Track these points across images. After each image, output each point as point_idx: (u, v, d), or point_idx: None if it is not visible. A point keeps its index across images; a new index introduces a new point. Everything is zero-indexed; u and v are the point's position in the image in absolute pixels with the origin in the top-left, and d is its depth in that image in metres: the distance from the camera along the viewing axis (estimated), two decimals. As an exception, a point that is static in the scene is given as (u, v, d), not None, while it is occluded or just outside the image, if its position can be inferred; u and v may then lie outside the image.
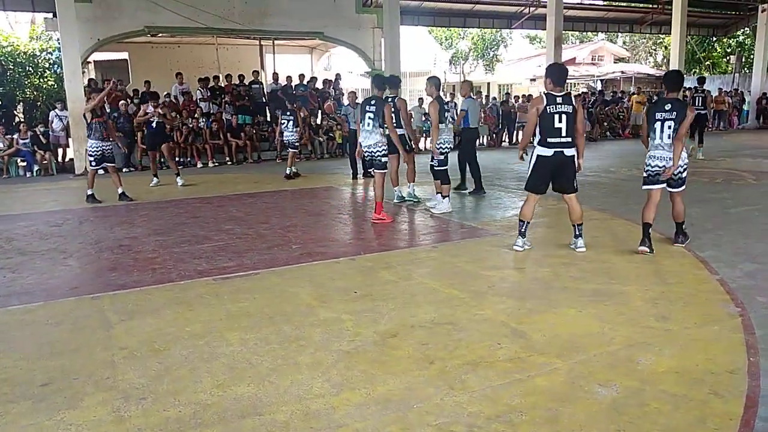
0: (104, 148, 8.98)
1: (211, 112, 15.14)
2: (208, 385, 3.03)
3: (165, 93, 15.26)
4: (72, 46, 13.09)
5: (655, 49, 39.29)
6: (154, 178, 10.80)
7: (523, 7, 21.22)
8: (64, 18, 12.85)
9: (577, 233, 5.48)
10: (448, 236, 6.40)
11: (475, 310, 4.03)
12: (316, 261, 5.37)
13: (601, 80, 30.19)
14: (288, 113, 11.60)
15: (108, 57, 17.96)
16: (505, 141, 19.36)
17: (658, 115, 5.31)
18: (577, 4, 22.50)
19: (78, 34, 13.21)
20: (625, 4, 23.81)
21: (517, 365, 3.18)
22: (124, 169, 13.33)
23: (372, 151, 7.08)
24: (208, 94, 15.51)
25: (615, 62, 34.75)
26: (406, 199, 8.47)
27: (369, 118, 7.01)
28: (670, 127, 5.24)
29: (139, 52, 17.99)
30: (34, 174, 13.25)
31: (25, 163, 13.43)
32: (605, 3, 23.93)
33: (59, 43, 14.64)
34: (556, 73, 5.26)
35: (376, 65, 17.07)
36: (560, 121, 5.10)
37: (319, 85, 17.45)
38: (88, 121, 8.91)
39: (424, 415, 2.70)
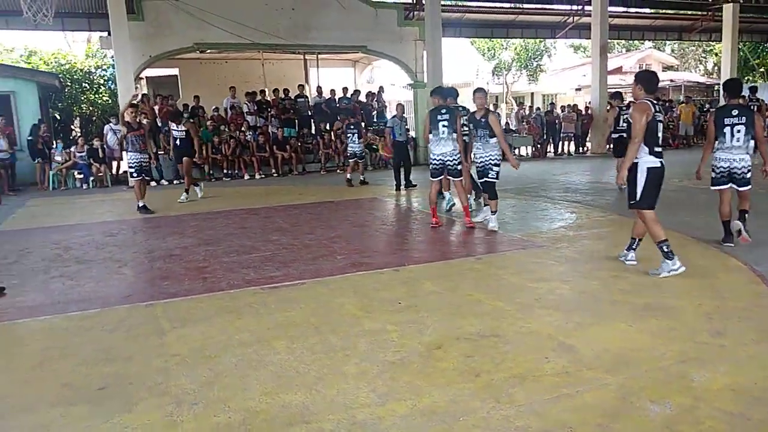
0: (141, 159, 9.46)
1: (258, 125, 15.48)
2: (257, 392, 3.09)
3: (213, 107, 15.72)
4: (125, 63, 13.65)
5: (705, 57, 38.19)
6: (184, 194, 10.62)
7: (567, 17, 20.98)
8: (118, 36, 13.41)
9: (634, 246, 5.32)
10: (493, 248, 6.36)
11: (522, 322, 3.99)
12: (361, 271, 5.41)
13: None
14: (352, 126, 12.22)
15: (159, 73, 18.62)
16: (550, 151, 19.11)
17: (727, 120, 5.60)
18: (623, 12, 22.10)
19: (131, 51, 13.76)
20: (673, 11, 23.27)
21: (565, 380, 3.13)
22: (174, 181, 13.77)
23: (446, 159, 7.09)
24: (255, 107, 15.87)
25: (663, 70, 33.89)
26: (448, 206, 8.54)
27: (443, 126, 7.03)
28: (739, 131, 5.53)
29: (188, 68, 18.58)
30: (90, 186, 13.80)
31: (81, 176, 14.01)
32: (652, 11, 23.44)
33: (113, 61, 15.28)
34: (649, 79, 4.96)
35: (418, 77, 17.15)
36: (660, 130, 4.90)
37: (362, 98, 17.63)
38: (125, 134, 9.31)
39: (471, 429, 2.68)
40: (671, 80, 30.34)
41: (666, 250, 4.87)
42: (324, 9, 15.89)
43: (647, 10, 23.28)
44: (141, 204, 9.39)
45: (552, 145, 19.24)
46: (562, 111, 19.70)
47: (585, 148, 19.61)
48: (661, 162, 4.87)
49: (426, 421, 2.75)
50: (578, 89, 30.88)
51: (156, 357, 3.60)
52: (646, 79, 4.96)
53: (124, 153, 9.84)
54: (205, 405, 2.97)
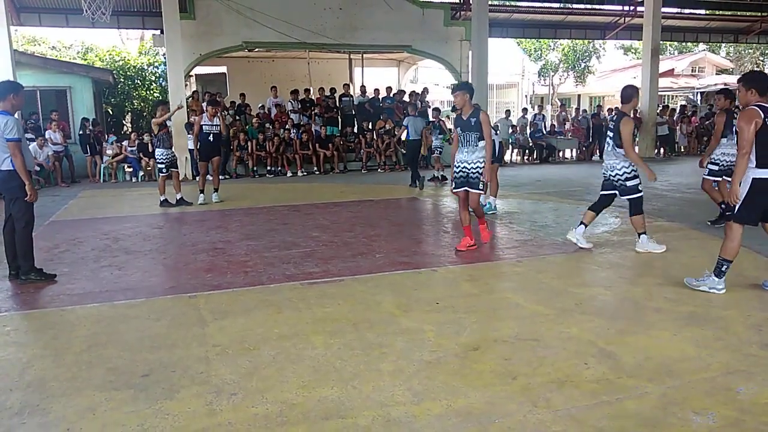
0: (170, 156, 9.72)
1: (301, 123, 15.67)
2: (294, 385, 3.14)
3: (259, 105, 15.99)
4: (176, 61, 14.02)
5: (762, 60, 36.70)
6: (201, 196, 9.95)
7: (618, 17, 20.50)
8: (170, 34, 13.78)
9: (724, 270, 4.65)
10: (534, 251, 6.27)
11: (561, 327, 3.93)
12: (399, 270, 5.42)
13: (701, 93, 28.56)
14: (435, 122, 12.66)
15: (208, 71, 19.04)
16: (595, 155, 18.74)
17: None
18: (677, 13, 21.45)
19: (182, 49, 14.13)
20: (729, 12, 22.44)
21: (605, 387, 3.07)
22: (220, 177, 14.04)
23: (471, 168, 6.05)
24: (299, 106, 16.07)
25: (717, 74, 32.76)
26: (488, 211, 8.40)
27: (471, 132, 6.04)
28: None
29: (236, 66, 18.95)
30: (139, 179, 14.23)
31: (131, 169, 14.46)
32: (707, 12, 22.66)
33: (165, 58, 15.71)
34: (760, 80, 4.49)
35: (463, 77, 17.04)
36: None
37: (406, 98, 17.64)
38: (156, 133, 9.53)
39: (506, 431, 2.66)
40: (725, 83, 29.28)
41: (723, 269, 4.56)
42: (371, 8, 15.97)
43: (702, 11, 22.52)
44: (163, 198, 9.68)
45: (598, 148, 18.84)
46: (610, 113, 19.24)
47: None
48: None
49: (461, 422, 2.74)
50: (627, 92, 30.09)
51: (198, 347, 3.70)
52: (757, 80, 4.46)
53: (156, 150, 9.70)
54: (244, 395, 3.03)
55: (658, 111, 18.51)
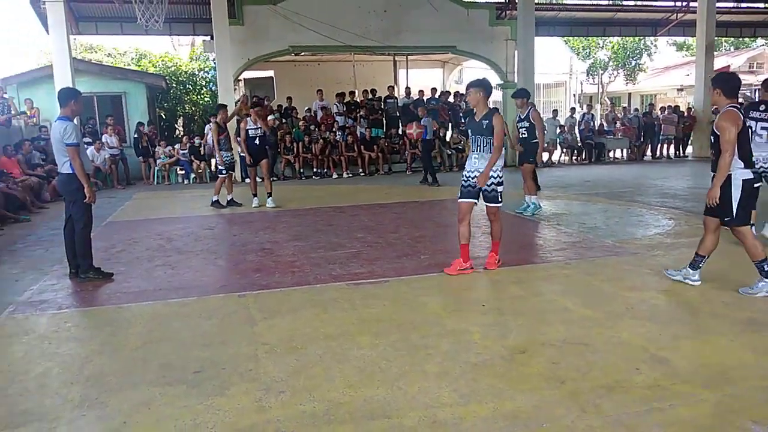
0: (231, 158, 10.07)
1: (347, 125, 15.80)
2: (341, 384, 3.17)
3: (306, 108, 16.21)
4: (226, 65, 14.37)
5: (828, 54, 34.90)
6: (255, 199, 10.00)
7: (670, 13, 19.86)
8: (220, 40, 14.13)
9: (700, 265, 4.77)
10: (583, 253, 6.14)
11: (611, 332, 3.84)
12: (444, 272, 5.39)
13: (759, 90, 27.39)
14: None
15: (256, 75, 19.41)
16: (647, 155, 18.23)
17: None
18: (733, 7, 20.61)
19: (231, 54, 14.47)
20: (792, 4, 21.43)
21: (657, 393, 2.99)
22: (246, 179, 14.27)
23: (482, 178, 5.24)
24: (344, 108, 16.20)
25: (778, 70, 31.34)
26: (534, 212, 8.30)
27: (483, 136, 5.23)
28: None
29: (283, 70, 19.25)
30: (191, 181, 14.63)
31: (183, 172, 14.88)
32: (765, 5, 21.69)
33: (215, 63, 16.09)
34: (727, 80, 4.58)
35: (508, 77, 16.86)
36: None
37: (450, 99, 17.56)
38: (216, 137, 9.76)
39: (554, 435, 2.63)
40: (787, 80, 27.98)
41: (766, 268, 4.47)
42: (415, 10, 15.96)
43: (760, 5, 21.56)
44: (215, 198, 9.93)
45: (650, 147, 18.33)
46: (662, 112, 18.69)
47: (685, 152, 18.54)
48: (755, 173, 4.54)
49: (508, 425, 2.72)
50: (680, 89, 29.15)
51: (247, 345, 3.78)
52: (723, 80, 4.58)
53: (219, 152, 9.86)
54: (292, 393, 3.09)
55: (713, 110, 17.84)
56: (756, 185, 4.55)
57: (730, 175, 4.43)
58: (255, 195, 10.04)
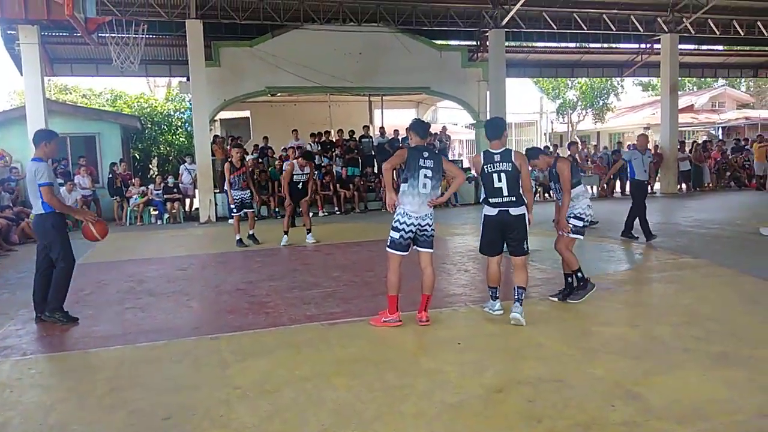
0: (243, 196, 9.96)
1: (322, 164, 15.89)
2: (315, 428, 3.11)
3: (282, 147, 16.29)
4: (202, 106, 14.40)
5: (785, 93, 36.45)
6: (285, 236, 10.05)
7: (635, 55, 20.62)
8: (196, 81, 14.19)
9: (517, 297, 4.93)
10: (556, 289, 6.18)
11: (586, 368, 3.85)
12: (421, 311, 5.37)
13: (723, 128, 28.34)
14: None
15: (232, 115, 19.52)
16: (617, 191, 18.62)
17: None
18: (694, 50, 21.49)
19: (207, 95, 14.51)
20: (748, 48, 22.42)
21: (632, 429, 2.99)
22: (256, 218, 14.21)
23: (425, 224, 5.02)
24: (319, 147, 16.32)
25: (738, 108, 32.56)
26: None
27: (426, 176, 4.88)
28: None
29: (259, 110, 19.39)
30: (164, 222, 14.46)
31: (156, 212, 14.72)
32: (725, 48, 22.68)
33: (191, 104, 16.15)
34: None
35: (481, 117, 17.20)
36: (500, 180, 4.84)
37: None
38: (229, 176, 9.77)
39: (531, 476, 2.60)
40: (746, 118, 29.08)
41: (494, 295, 5.16)
42: (390, 52, 16.28)
43: (720, 47, 22.55)
44: (239, 237, 9.91)
45: (619, 184, 18.74)
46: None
47: (653, 189, 19.00)
48: (498, 211, 4.94)
49: (484, 466, 2.68)
50: (647, 128, 30.06)
51: (219, 389, 3.69)
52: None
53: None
54: (264, 438, 3.01)
55: (678, 147, 18.40)
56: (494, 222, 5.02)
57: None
58: (286, 233, 10.11)
